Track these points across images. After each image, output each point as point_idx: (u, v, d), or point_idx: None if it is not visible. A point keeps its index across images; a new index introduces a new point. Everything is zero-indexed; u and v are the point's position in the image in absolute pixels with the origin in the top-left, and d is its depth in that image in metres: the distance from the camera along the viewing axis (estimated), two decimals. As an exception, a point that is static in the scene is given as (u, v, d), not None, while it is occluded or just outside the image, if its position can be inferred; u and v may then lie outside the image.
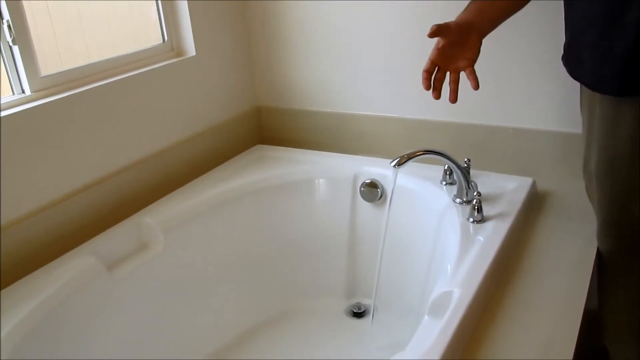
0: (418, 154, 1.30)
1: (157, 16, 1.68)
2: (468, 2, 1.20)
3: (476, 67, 1.57)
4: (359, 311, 1.62)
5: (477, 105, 1.61)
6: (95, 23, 1.57)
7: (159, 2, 1.66)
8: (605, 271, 1.25)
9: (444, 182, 1.48)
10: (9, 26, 1.29)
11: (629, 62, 1.02)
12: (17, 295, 1.16)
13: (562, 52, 1.22)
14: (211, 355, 1.49)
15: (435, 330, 0.96)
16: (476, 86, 1.15)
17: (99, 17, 1.57)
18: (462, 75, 1.17)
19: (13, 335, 1.07)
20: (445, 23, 1.12)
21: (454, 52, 1.15)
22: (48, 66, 1.40)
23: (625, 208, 1.14)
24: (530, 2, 1.22)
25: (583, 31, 1.10)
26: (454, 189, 1.41)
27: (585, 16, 1.08)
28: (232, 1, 1.83)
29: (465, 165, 1.39)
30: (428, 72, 1.15)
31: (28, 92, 1.35)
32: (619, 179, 1.13)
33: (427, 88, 1.16)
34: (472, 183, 1.38)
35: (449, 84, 1.17)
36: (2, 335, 1.05)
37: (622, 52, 1.01)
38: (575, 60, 1.15)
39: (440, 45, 1.14)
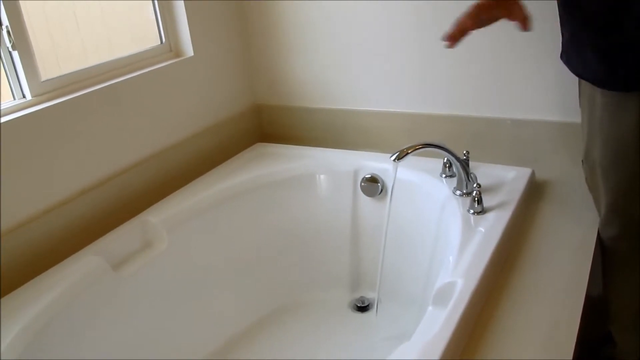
0: (417, 147, 1.32)
1: (154, 16, 1.69)
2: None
3: (474, 58, 1.59)
4: (363, 305, 1.63)
5: (475, 97, 1.62)
6: (92, 23, 1.57)
7: (156, 3, 1.67)
8: (609, 259, 1.26)
9: (444, 175, 1.49)
10: (8, 32, 1.30)
11: (634, 59, 1.01)
12: (26, 297, 1.18)
13: (558, 41, 1.22)
14: (220, 347, 1.51)
15: (440, 320, 0.97)
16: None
17: (95, 18, 1.58)
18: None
19: (23, 335, 1.09)
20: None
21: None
22: (45, 67, 1.41)
23: (632, 196, 1.15)
24: None
25: (584, 30, 1.10)
26: (454, 181, 1.42)
27: (585, 15, 1.08)
28: (229, 0, 1.84)
29: (464, 157, 1.40)
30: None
31: (29, 96, 1.36)
32: (626, 167, 1.13)
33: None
34: (471, 175, 1.39)
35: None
36: (11, 336, 1.07)
37: (626, 49, 1.01)
38: (577, 58, 1.15)
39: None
